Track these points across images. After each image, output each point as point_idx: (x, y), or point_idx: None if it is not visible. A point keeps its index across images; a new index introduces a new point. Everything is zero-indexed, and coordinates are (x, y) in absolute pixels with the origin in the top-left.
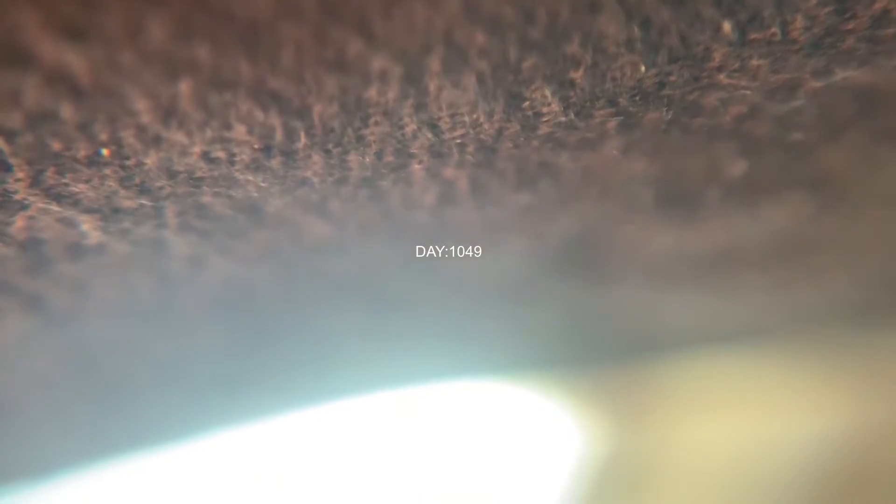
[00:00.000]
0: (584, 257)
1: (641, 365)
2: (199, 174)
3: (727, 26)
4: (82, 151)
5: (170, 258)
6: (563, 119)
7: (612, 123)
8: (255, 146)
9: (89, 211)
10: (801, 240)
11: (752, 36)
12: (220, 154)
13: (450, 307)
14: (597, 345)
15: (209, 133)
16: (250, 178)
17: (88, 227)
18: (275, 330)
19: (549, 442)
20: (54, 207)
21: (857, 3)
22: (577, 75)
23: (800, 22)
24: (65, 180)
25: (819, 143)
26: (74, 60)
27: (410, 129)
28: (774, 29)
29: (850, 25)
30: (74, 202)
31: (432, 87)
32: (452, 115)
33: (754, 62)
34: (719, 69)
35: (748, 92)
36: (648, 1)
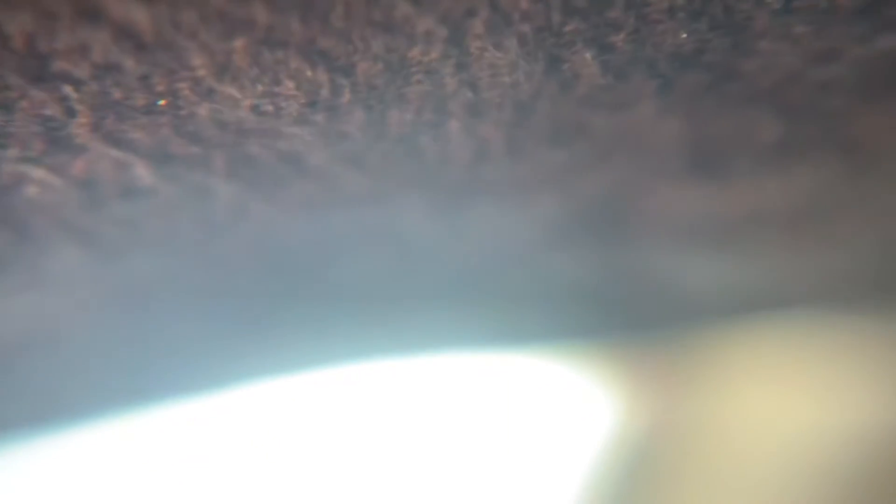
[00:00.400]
0: (614, 217)
1: (675, 334)
2: (247, 126)
3: None
4: (141, 101)
5: (215, 203)
6: (601, 81)
7: (651, 86)
8: (302, 101)
9: (143, 156)
10: (830, 203)
11: (797, 3)
12: (269, 108)
13: (480, 266)
14: (627, 310)
15: (259, 88)
16: (296, 131)
17: (142, 171)
18: (309, 278)
19: (580, 418)
20: (112, 151)
21: None
22: (617, 39)
23: None
24: (123, 127)
25: (856, 108)
26: (140, 17)
27: (451, 87)
28: None
29: None
30: (131, 147)
31: (474, 48)
32: (493, 76)
33: (798, 29)
34: (761, 36)
35: (789, 58)
36: None
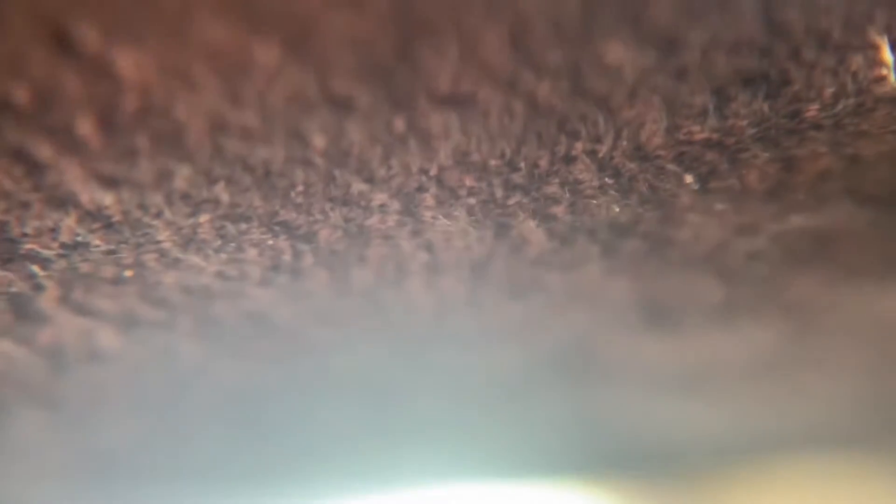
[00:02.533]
0: (577, 366)
1: (649, 476)
2: (212, 290)
3: (689, 178)
4: (108, 273)
5: (181, 363)
6: (548, 246)
7: (594, 251)
8: (266, 265)
9: (109, 322)
10: (782, 358)
11: (713, 185)
12: (233, 272)
13: (449, 408)
14: (598, 451)
15: (223, 256)
16: (260, 292)
17: (108, 337)
18: (278, 427)
19: None
20: (78, 320)
21: (803, 162)
22: (557, 210)
23: (754, 175)
24: (90, 297)
25: (785, 275)
26: (108, 202)
27: (408, 250)
28: (732, 181)
29: (798, 179)
30: (97, 314)
31: (427, 217)
32: (447, 240)
33: (718, 206)
34: (687, 210)
35: (716, 230)
36: (617, 156)
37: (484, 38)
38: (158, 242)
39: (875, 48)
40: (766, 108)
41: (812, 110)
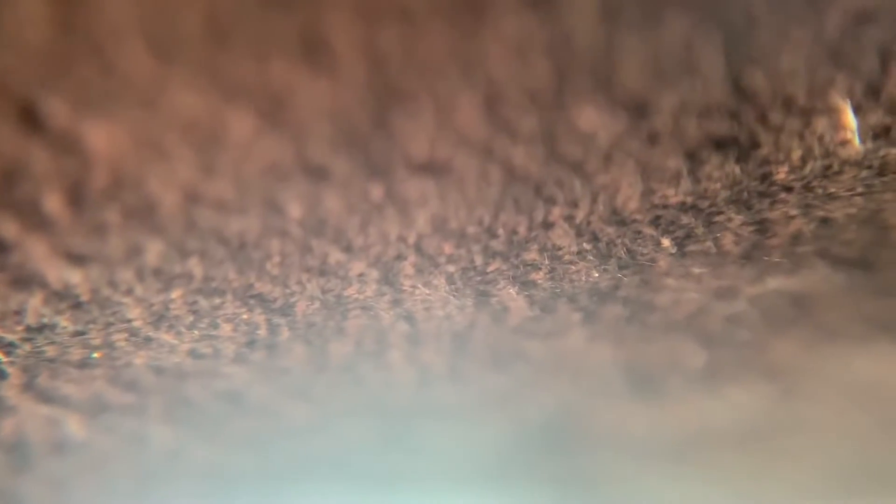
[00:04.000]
0: (563, 433)
1: None
2: (185, 369)
3: (666, 241)
4: (75, 355)
5: (152, 449)
6: (529, 313)
7: (576, 317)
8: (241, 341)
9: (76, 409)
10: (768, 423)
11: (690, 248)
12: (207, 350)
13: (433, 486)
14: None
15: (196, 332)
16: (234, 370)
17: (74, 425)
18: None
19: None
20: (43, 409)
21: (776, 224)
22: (537, 277)
23: (729, 238)
24: (56, 383)
25: (768, 338)
26: (76, 280)
27: (388, 321)
28: (708, 244)
29: (772, 241)
30: (63, 402)
31: (406, 286)
32: (427, 309)
33: (696, 270)
34: (666, 274)
35: (695, 294)
36: (594, 221)
37: (459, 105)
38: (129, 321)
39: (838, 112)
40: (737, 170)
41: (781, 172)
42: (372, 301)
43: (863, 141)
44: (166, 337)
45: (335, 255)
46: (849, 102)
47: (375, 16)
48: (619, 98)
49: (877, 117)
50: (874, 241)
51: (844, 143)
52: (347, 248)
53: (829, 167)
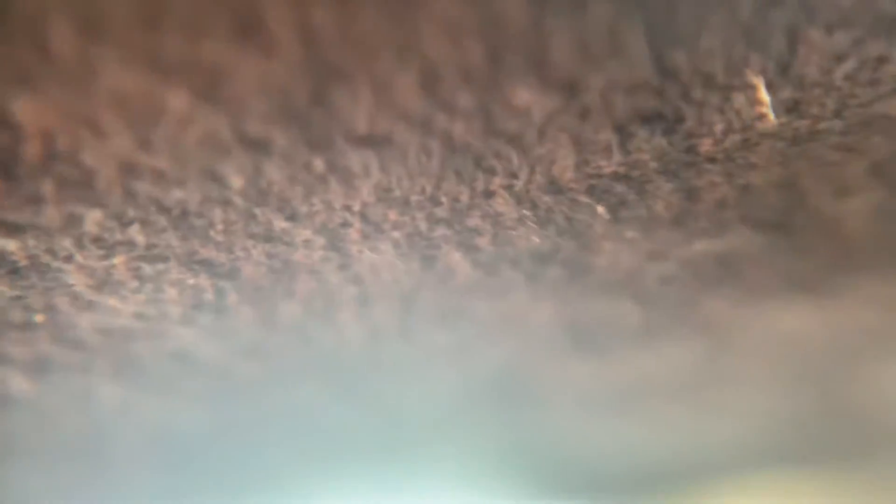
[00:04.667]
0: (509, 391)
1: (583, 499)
2: (131, 330)
3: (601, 208)
4: (16, 318)
5: (100, 407)
6: (474, 276)
7: (519, 279)
8: (187, 304)
9: (21, 369)
10: (700, 376)
11: (623, 215)
12: (153, 312)
13: (384, 440)
14: (534, 475)
15: (142, 297)
16: (183, 331)
17: (20, 383)
18: (208, 469)
19: None
20: None
21: (701, 191)
22: (481, 242)
23: (660, 205)
24: None
25: (696, 297)
26: (12, 248)
27: (336, 283)
28: (640, 210)
29: (699, 207)
30: (7, 361)
31: (354, 251)
32: (374, 273)
33: (629, 234)
34: (602, 238)
35: (629, 256)
36: (532, 190)
37: (396, 83)
38: (70, 286)
39: (753, 88)
40: (664, 143)
41: (705, 144)
42: (319, 265)
43: (776, 115)
44: (111, 301)
45: (280, 223)
46: (762, 79)
47: None
48: (550, 77)
49: (787, 93)
50: (791, 205)
51: (761, 117)
52: (292, 217)
53: (748, 139)
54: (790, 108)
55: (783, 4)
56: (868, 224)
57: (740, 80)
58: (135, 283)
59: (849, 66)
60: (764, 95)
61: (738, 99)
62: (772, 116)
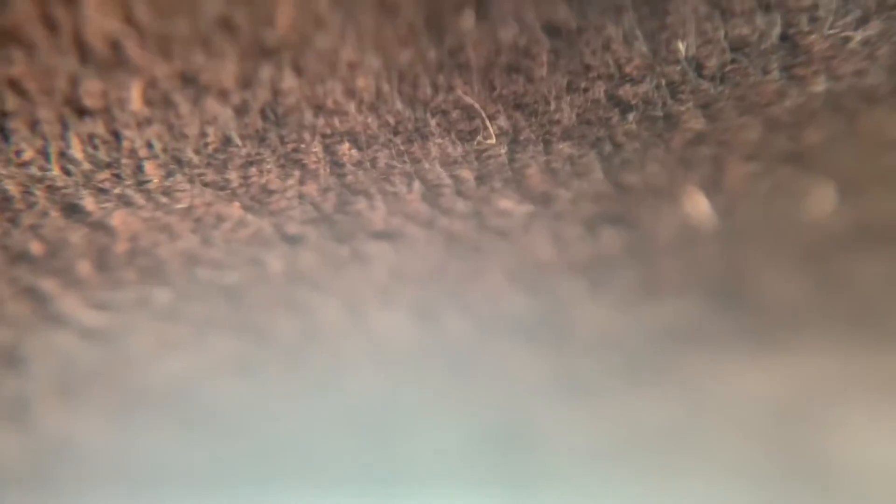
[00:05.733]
0: (506, 434)
1: None
2: (183, 380)
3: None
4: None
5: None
6: (473, 335)
7: (514, 333)
8: (226, 363)
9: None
10: (674, 432)
11: (599, 286)
12: (192, 372)
13: (388, 480)
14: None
15: (190, 355)
16: (217, 384)
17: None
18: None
19: None
20: None
21: (661, 272)
22: (480, 309)
23: (627, 280)
24: None
25: (668, 355)
26: (102, 321)
27: (353, 345)
28: (612, 284)
29: (659, 280)
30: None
31: (371, 316)
32: (388, 334)
33: (607, 300)
34: (583, 305)
35: (602, 317)
36: (519, 269)
37: (404, 197)
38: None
39: (693, 200)
40: (627, 236)
41: (662, 239)
42: (341, 329)
43: (711, 223)
44: (170, 361)
45: (310, 296)
46: (700, 194)
47: None
48: (527, 191)
49: (718, 202)
50: (735, 276)
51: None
52: (319, 289)
53: (691, 240)
54: (722, 216)
55: (705, 138)
56: (812, 290)
57: (682, 191)
58: (189, 343)
59: None
60: (702, 205)
61: (679, 209)
62: (709, 224)
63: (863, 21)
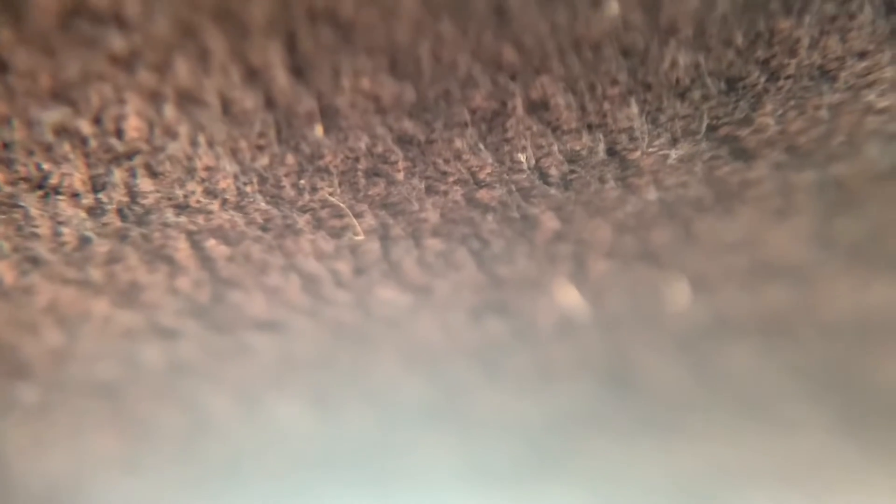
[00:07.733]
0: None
1: None
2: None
3: None
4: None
5: None
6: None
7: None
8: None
9: None
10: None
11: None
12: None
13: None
14: None
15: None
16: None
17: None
18: None
19: None
20: None
21: (556, 359)
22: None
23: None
24: None
25: (576, 442)
26: None
27: (247, 438)
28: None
29: (558, 368)
30: None
31: (266, 407)
32: (283, 431)
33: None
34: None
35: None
36: (406, 351)
37: (283, 289)
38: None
39: None
40: (509, 323)
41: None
42: (234, 419)
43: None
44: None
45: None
46: None
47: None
48: (405, 283)
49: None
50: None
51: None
52: (207, 381)
53: (564, 330)
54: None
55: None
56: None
57: (553, 283)
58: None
59: None
60: (573, 296)
61: (553, 299)
62: (583, 313)
63: (673, 142)
